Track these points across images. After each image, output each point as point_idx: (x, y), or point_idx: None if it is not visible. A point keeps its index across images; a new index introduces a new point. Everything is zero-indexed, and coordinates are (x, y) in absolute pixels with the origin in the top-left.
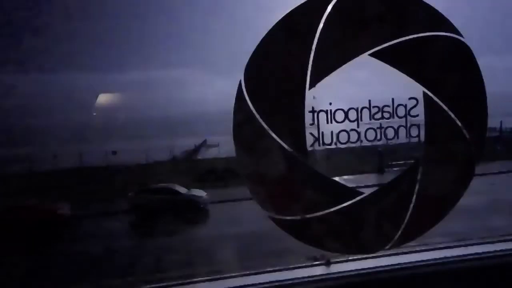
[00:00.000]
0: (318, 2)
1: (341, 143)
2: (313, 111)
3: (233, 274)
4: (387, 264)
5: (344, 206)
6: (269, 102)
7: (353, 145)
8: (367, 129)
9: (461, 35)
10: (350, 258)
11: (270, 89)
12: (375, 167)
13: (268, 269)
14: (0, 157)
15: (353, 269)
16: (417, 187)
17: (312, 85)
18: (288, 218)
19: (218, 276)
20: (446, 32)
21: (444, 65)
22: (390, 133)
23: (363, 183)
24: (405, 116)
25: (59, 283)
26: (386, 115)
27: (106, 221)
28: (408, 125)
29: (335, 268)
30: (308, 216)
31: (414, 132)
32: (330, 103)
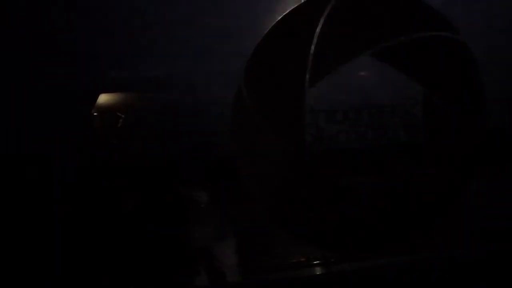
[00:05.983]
0: (318, 2)
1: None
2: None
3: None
4: (386, 264)
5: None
6: (269, 101)
7: None
8: None
9: (461, 35)
10: (350, 258)
11: (270, 88)
12: None
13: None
14: None
15: (353, 269)
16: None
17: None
18: (288, 217)
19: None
20: (446, 32)
21: (444, 65)
22: None
23: None
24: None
25: None
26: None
27: None
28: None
29: (335, 268)
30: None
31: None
32: None
